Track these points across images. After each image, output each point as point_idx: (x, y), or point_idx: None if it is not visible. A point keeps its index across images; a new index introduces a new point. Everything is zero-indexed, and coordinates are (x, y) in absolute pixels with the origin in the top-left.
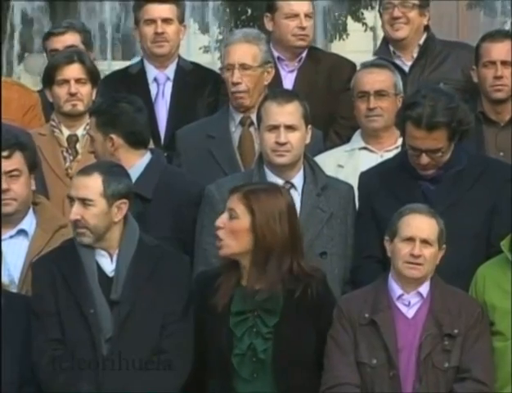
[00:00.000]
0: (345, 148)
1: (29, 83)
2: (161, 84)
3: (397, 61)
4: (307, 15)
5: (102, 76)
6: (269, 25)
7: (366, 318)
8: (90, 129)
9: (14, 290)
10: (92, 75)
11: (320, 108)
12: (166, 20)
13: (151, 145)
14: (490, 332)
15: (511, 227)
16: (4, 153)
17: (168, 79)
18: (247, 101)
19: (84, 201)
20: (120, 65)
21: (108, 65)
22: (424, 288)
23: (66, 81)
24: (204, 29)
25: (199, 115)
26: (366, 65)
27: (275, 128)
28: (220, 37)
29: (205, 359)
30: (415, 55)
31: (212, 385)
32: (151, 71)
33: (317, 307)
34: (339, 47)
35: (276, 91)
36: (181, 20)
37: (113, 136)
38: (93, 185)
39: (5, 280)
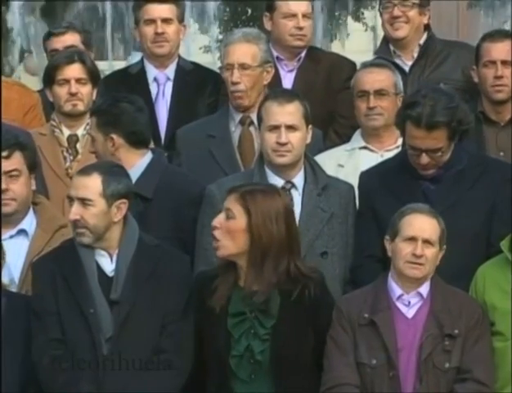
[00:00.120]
0: (345, 148)
1: (29, 84)
2: (161, 84)
3: (398, 61)
4: (305, 16)
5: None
6: (268, 25)
7: (366, 319)
8: (91, 129)
9: (14, 290)
10: (93, 75)
11: (319, 107)
12: (166, 20)
13: (151, 145)
14: (490, 333)
15: (511, 226)
16: (4, 153)
17: (168, 78)
18: (245, 101)
19: (84, 201)
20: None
21: (108, 65)
22: (424, 288)
23: (67, 81)
24: (204, 29)
25: (199, 115)
26: (366, 65)
27: (275, 128)
28: (220, 37)
29: (204, 360)
30: (415, 54)
31: (210, 385)
32: (151, 71)
33: (315, 308)
34: (339, 47)
35: (276, 91)
36: (181, 20)
37: (114, 136)
38: (93, 185)
39: (5, 280)
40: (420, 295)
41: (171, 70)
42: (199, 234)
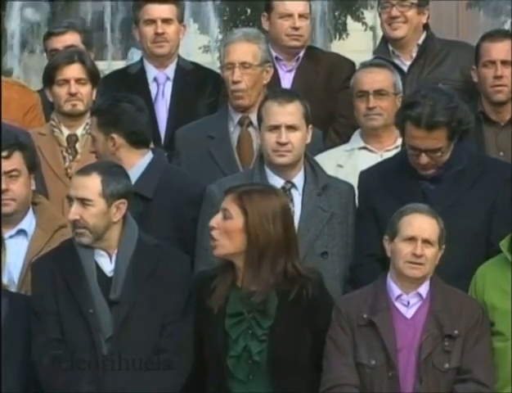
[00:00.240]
0: (345, 148)
1: (29, 84)
2: (161, 84)
3: (396, 61)
4: (301, 16)
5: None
6: (266, 25)
7: (365, 319)
8: (91, 129)
9: (13, 290)
10: (92, 75)
11: (319, 107)
12: (166, 21)
13: (151, 145)
14: (490, 333)
15: (511, 226)
16: (3, 153)
17: (168, 78)
18: (246, 101)
19: (83, 201)
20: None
21: (108, 65)
22: (424, 289)
23: (66, 81)
24: (204, 28)
25: (199, 115)
26: (365, 65)
27: (276, 128)
28: (220, 37)
29: (204, 360)
30: (414, 54)
31: (209, 385)
32: (151, 71)
33: (313, 308)
34: (338, 47)
35: (276, 91)
36: (181, 20)
37: (114, 135)
38: (92, 185)
39: (4, 280)
40: (420, 295)
41: (171, 70)
42: (200, 234)
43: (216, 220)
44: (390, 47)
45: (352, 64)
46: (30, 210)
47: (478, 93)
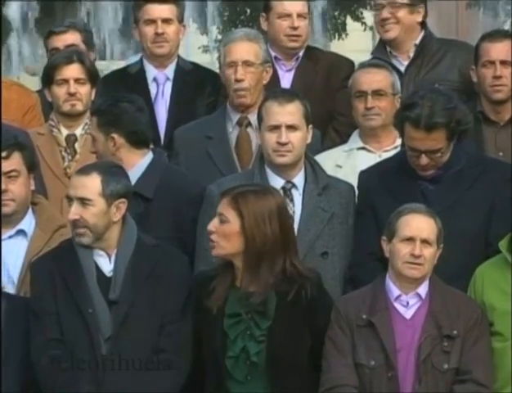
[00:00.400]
0: (343, 148)
1: (29, 84)
2: (161, 84)
3: (394, 61)
4: (300, 15)
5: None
6: (264, 25)
7: (364, 320)
8: (91, 129)
9: (12, 290)
10: (92, 75)
11: (318, 107)
12: (166, 21)
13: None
14: (489, 334)
15: (510, 226)
16: (3, 153)
17: (167, 78)
18: (248, 100)
19: (83, 201)
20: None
21: (107, 65)
22: (423, 289)
23: (65, 81)
24: (204, 29)
25: (198, 115)
26: (363, 65)
27: (276, 128)
28: (219, 37)
29: (203, 360)
30: (411, 54)
31: (208, 386)
32: (151, 71)
33: (311, 309)
34: (338, 47)
35: (276, 91)
36: (181, 20)
37: (114, 136)
38: (92, 185)
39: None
40: (419, 295)
41: (170, 70)
42: (200, 234)
43: (213, 224)
44: (388, 48)
45: (352, 63)
46: (30, 211)
47: (476, 93)
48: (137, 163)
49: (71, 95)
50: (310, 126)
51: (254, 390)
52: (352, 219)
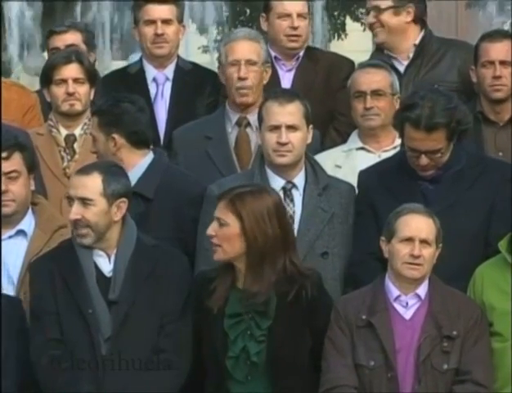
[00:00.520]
0: (343, 148)
1: (28, 84)
2: (160, 84)
3: (393, 62)
4: (300, 15)
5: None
6: (264, 26)
7: (363, 320)
8: (92, 129)
9: (12, 290)
10: (90, 75)
11: (318, 107)
12: (166, 21)
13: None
14: (489, 334)
15: (510, 226)
16: (3, 154)
17: (167, 79)
18: (250, 99)
19: (84, 201)
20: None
21: (107, 65)
22: (422, 289)
23: (64, 81)
24: (203, 29)
25: (198, 115)
26: (362, 65)
27: (276, 128)
28: (219, 37)
29: (203, 360)
30: (411, 55)
31: (208, 386)
32: (150, 71)
33: (312, 309)
34: (338, 47)
35: (277, 91)
36: (181, 20)
37: (115, 136)
38: (93, 184)
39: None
40: (418, 296)
41: (170, 71)
42: (200, 234)
43: (213, 228)
44: (385, 51)
45: (352, 63)
46: (29, 211)
47: (475, 94)
48: (138, 163)
49: (70, 95)
50: (310, 126)
51: (255, 390)
52: (352, 219)
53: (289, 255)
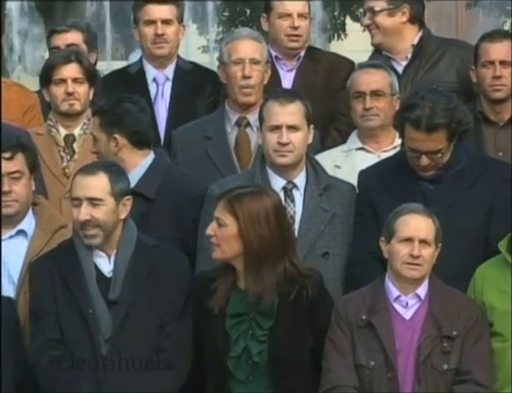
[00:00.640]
0: (342, 148)
1: (28, 84)
2: (160, 84)
3: (392, 63)
4: (300, 15)
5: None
6: (265, 26)
7: (364, 320)
8: (93, 129)
9: (13, 290)
10: (90, 75)
11: (319, 107)
12: (166, 21)
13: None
14: (489, 334)
15: (510, 226)
16: (6, 154)
17: (167, 79)
18: (252, 98)
19: (93, 201)
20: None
21: (107, 65)
22: (422, 289)
23: (63, 80)
24: (203, 29)
25: (198, 115)
26: (361, 66)
27: (277, 128)
28: (219, 37)
29: (203, 360)
30: (409, 55)
31: (209, 386)
32: (150, 71)
33: (313, 309)
34: (337, 47)
35: (278, 91)
36: (181, 21)
37: (117, 136)
38: (101, 184)
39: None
40: (418, 296)
41: (170, 71)
42: (201, 234)
43: (212, 228)
44: (383, 52)
45: (352, 63)
46: (30, 211)
47: (474, 94)
48: (139, 163)
49: (69, 94)
50: (311, 126)
51: (256, 390)
52: (353, 219)
53: (288, 257)
